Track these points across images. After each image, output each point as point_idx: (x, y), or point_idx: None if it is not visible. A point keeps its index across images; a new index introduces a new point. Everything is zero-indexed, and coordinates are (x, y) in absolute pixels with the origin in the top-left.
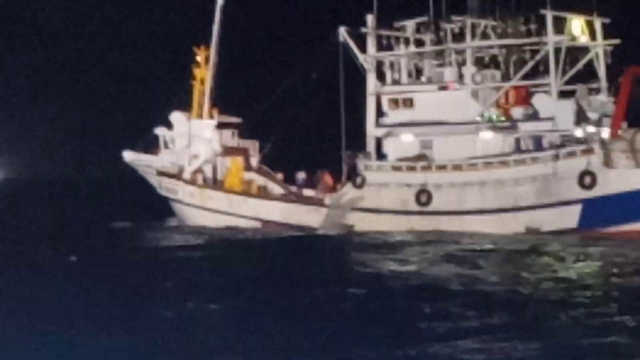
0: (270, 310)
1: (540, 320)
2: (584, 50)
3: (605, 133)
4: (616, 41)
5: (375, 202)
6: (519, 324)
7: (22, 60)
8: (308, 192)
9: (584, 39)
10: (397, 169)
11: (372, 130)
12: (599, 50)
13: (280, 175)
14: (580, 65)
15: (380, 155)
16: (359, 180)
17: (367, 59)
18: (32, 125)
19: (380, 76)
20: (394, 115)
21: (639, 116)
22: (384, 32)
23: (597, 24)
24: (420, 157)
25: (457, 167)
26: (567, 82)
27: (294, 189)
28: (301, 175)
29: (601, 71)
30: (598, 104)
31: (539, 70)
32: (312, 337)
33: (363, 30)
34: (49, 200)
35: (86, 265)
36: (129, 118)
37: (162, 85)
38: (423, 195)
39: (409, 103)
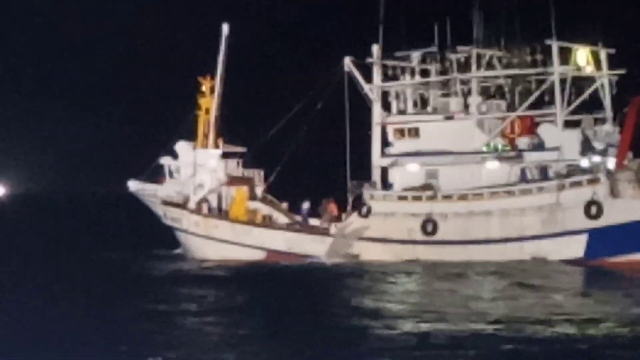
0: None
1: None
2: (589, 80)
3: (611, 163)
4: (621, 71)
5: (381, 231)
6: None
7: (31, 76)
8: (313, 222)
9: (589, 69)
10: (403, 198)
11: (377, 160)
12: (604, 80)
13: (285, 205)
14: (585, 95)
15: (386, 185)
16: (364, 209)
17: (373, 88)
18: (36, 140)
19: (386, 106)
20: (399, 145)
21: None
22: (390, 62)
23: (602, 54)
24: (426, 186)
25: (462, 197)
26: (573, 112)
27: (298, 218)
28: (306, 205)
29: (606, 101)
30: (604, 133)
31: (544, 100)
32: None
33: (369, 60)
34: (50, 217)
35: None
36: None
37: (168, 114)
38: (429, 225)
39: (414, 133)
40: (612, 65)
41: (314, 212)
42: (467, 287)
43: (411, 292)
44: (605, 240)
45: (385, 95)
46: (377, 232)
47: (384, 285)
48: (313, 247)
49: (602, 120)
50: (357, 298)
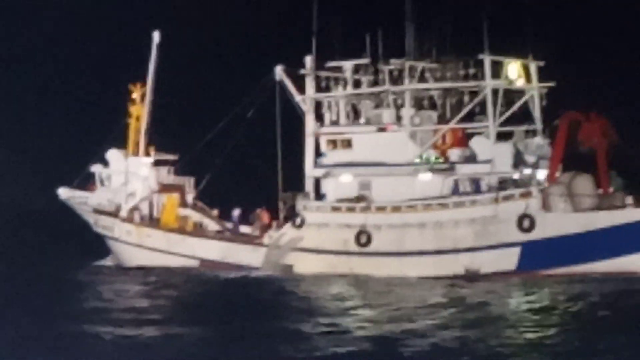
0: None
1: None
2: (520, 93)
3: (542, 175)
4: (551, 84)
5: (315, 242)
6: None
7: None
8: (244, 229)
9: (520, 82)
10: (336, 209)
11: (310, 171)
12: (534, 92)
13: (215, 212)
14: (516, 107)
15: (319, 196)
16: (298, 220)
17: (306, 99)
18: None
19: (319, 116)
20: (332, 156)
21: (574, 160)
22: (323, 73)
23: (533, 67)
24: (360, 198)
25: (396, 209)
26: (504, 124)
27: (229, 225)
28: (236, 212)
29: (537, 113)
30: (535, 146)
31: (476, 112)
32: None
33: (302, 71)
34: None
35: None
36: (65, 154)
37: (98, 122)
38: (363, 236)
39: (347, 144)
40: (542, 78)
41: (244, 220)
42: None
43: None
44: (537, 253)
45: (318, 105)
46: (311, 242)
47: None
48: (247, 257)
49: (533, 133)
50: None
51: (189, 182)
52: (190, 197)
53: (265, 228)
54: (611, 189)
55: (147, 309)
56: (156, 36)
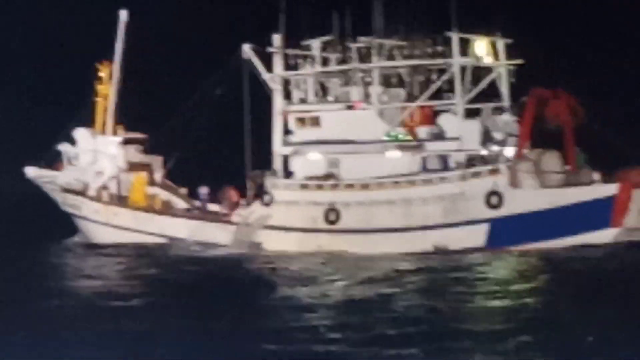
0: None
1: None
2: (488, 70)
3: (510, 152)
4: (519, 61)
5: (284, 220)
6: None
7: None
8: (212, 207)
9: (488, 60)
10: (305, 187)
11: (279, 149)
12: (502, 70)
13: (183, 190)
14: (483, 84)
15: (288, 174)
16: (267, 198)
17: (275, 77)
18: None
19: (287, 95)
20: (300, 134)
21: (542, 137)
22: (291, 52)
23: (500, 44)
24: (328, 175)
25: (365, 186)
26: (472, 102)
27: (197, 203)
28: (204, 190)
29: (504, 91)
30: (502, 123)
31: (443, 90)
32: None
33: (270, 49)
34: None
35: None
36: (31, 133)
37: (66, 101)
38: (331, 214)
39: (315, 122)
40: (509, 56)
41: (212, 198)
42: None
43: None
44: (506, 229)
45: (286, 83)
46: (280, 220)
47: None
48: (215, 235)
49: (501, 110)
50: None
51: (157, 161)
52: (158, 176)
53: (234, 206)
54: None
55: (118, 285)
56: (123, 15)
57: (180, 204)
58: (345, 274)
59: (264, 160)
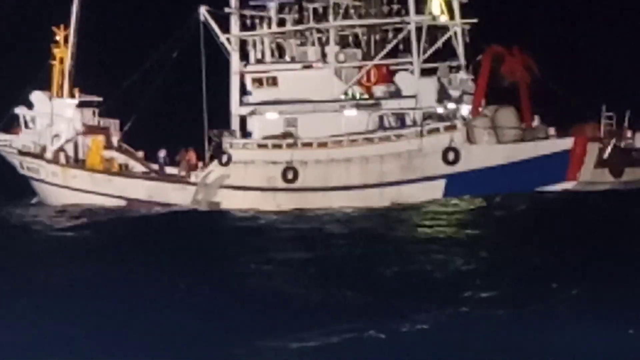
0: None
1: None
2: (443, 29)
3: (466, 110)
4: (474, 20)
5: (242, 179)
6: None
7: None
8: (169, 170)
9: (443, 19)
10: (263, 146)
11: (236, 109)
12: (457, 29)
13: (141, 154)
14: (439, 43)
15: (245, 134)
16: (224, 158)
17: (231, 38)
18: None
19: (244, 56)
20: (258, 94)
21: (498, 94)
22: (247, 12)
23: (455, 3)
24: (286, 135)
25: (322, 145)
26: (427, 61)
27: (155, 167)
28: (162, 153)
29: (459, 49)
30: (458, 81)
31: (399, 49)
32: None
33: (227, 10)
34: None
35: None
36: None
37: (21, 64)
38: (289, 172)
39: (272, 82)
40: (464, 15)
41: (170, 161)
42: None
43: None
44: (462, 185)
45: (242, 45)
46: (237, 180)
47: None
48: (174, 196)
49: (457, 69)
50: None
51: (114, 125)
52: (115, 140)
53: (192, 168)
54: (535, 123)
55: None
56: None
57: (138, 167)
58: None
59: (222, 123)
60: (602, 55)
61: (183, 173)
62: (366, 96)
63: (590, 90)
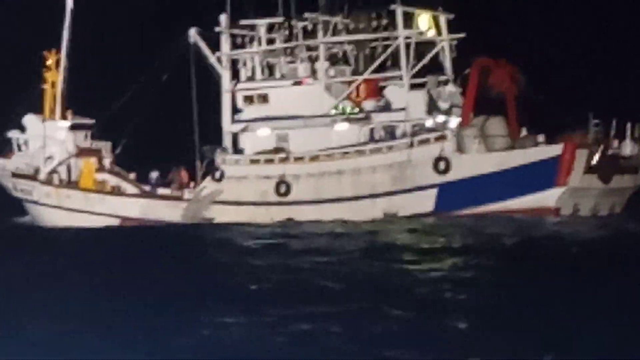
0: None
1: None
2: (431, 44)
3: (454, 122)
4: (461, 35)
5: (235, 194)
6: None
7: None
8: (162, 191)
9: (430, 34)
10: (255, 162)
11: (228, 127)
12: (445, 44)
13: (132, 175)
14: (428, 58)
15: (237, 151)
16: (217, 174)
17: (222, 56)
18: None
19: (234, 74)
20: (249, 111)
21: (486, 105)
22: (237, 32)
23: (442, 19)
24: (278, 150)
25: (314, 158)
26: (415, 76)
27: (147, 188)
28: (154, 174)
29: (447, 64)
30: (447, 94)
31: (387, 64)
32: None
33: (217, 29)
34: None
35: None
36: None
37: (12, 88)
38: (282, 186)
39: (263, 99)
40: (451, 30)
41: (162, 182)
42: None
43: None
44: (454, 193)
45: (233, 64)
46: (231, 195)
47: None
48: (167, 213)
49: (445, 82)
50: None
51: (106, 147)
52: (107, 162)
53: (184, 187)
54: (524, 132)
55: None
56: (70, 1)
57: (130, 189)
58: None
59: (211, 142)
60: (587, 67)
61: (176, 193)
62: (356, 110)
63: (576, 101)
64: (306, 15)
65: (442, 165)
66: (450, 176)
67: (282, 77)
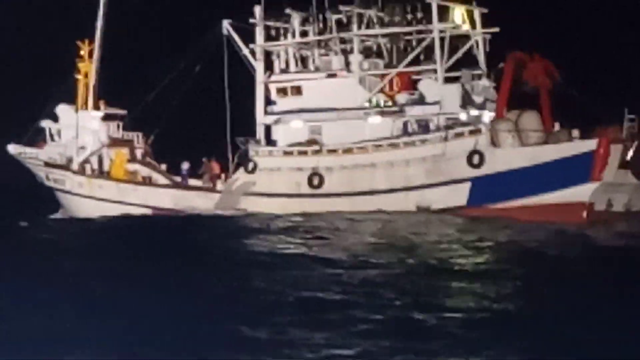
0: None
1: None
2: (465, 38)
3: (488, 116)
4: (495, 29)
5: (268, 186)
6: None
7: None
8: (193, 182)
9: (465, 28)
10: (288, 153)
11: (261, 118)
12: (479, 38)
13: (164, 166)
14: (462, 52)
15: (270, 142)
16: (250, 165)
17: (256, 48)
18: None
19: (268, 67)
20: (282, 104)
21: (520, 100)
22: (271, 23)
23: (476, 13)
24: (311, 142)
25: (347, 151)
26: (449, 70)
27: (178, 179)
28: (185, 165)
29: (481, 58)
30: (481, 88)
31: (420, 58)
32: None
33: (251, 21)
34: None
35: None
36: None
37: (46, 78)
38: (315, 178)
39: (297, 91)
40: (484, 24)
41: (193, 173)
42: None
43: None
44: (487, 187)
45: (267, 56)
46: (263, 187)
47: None
48: (200, 203)
49: (478, 76)
50: None
51: (137, 137)
52: (139, 152)
53: (216, 178)
54: (557, 127)
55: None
56: None
57: (161, 180)
58: None
59: (244, 134)
60: (622, 61)
61: (207, 184)
62: (390, 103)
63: (610, 95)
64: (340, 7)
65: (476, 159)
66: (484, 170)
67: (316, 69)
